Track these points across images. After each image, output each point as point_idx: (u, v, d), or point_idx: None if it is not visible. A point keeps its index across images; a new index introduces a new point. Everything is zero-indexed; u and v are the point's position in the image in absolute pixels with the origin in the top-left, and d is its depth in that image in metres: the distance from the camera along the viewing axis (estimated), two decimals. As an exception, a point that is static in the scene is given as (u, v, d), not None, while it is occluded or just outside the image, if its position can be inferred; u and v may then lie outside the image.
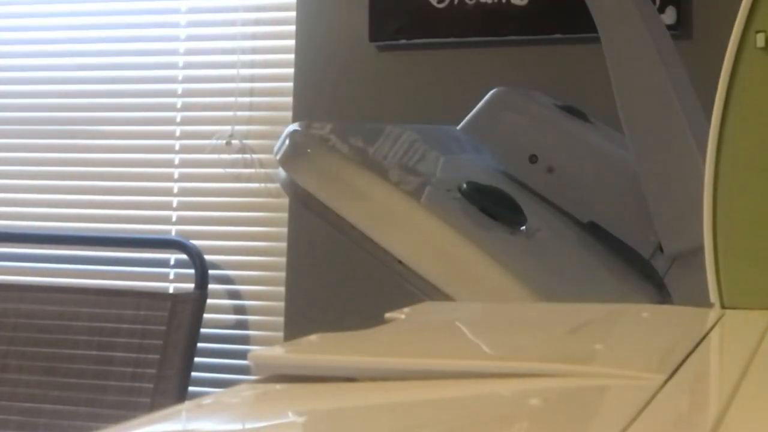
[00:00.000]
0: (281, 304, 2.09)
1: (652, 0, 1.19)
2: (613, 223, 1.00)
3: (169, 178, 2.24)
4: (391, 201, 0.90)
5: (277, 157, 0.96)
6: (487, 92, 1.99)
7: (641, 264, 1.04)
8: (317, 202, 0.93)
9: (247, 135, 2.17)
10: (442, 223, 0.88)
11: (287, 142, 0.95)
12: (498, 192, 0.95)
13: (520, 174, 1.06)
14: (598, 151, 1.06)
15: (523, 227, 0.94)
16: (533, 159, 1.05)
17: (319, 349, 0.53)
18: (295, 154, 0.94)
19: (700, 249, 0.90)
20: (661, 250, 1.00)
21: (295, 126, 0.98)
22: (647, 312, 0.68)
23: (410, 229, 0.89)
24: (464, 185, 0.92)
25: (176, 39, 2.26)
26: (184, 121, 2.24)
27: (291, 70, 2.10)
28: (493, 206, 0.92)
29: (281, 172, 0.98)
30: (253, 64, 2.19)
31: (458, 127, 1.14)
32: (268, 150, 2.16)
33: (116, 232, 2.23)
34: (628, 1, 1.05)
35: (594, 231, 1.01)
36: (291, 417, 0.46)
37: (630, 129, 1.00)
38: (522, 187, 1.05)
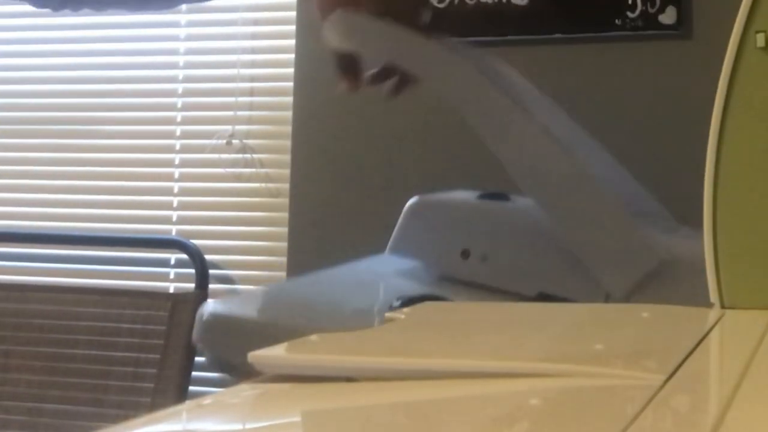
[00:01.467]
0: (281, 304, 2.09)
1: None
2: (559, 286, 1.00)
3: (169, 177, 2.24)
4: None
5: (194, 337, 0.96)
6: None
7: None
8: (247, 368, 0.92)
9: (247, 135, 2.17)
10: None
11: (203, 318, 0.95)
12: (430, 297, 0.93)
13: (458, 273, 1.05)
14: (523, 226, 1.05)
15: None
16: (465, 254, 1.04)
17: (319, 349, 0.53)
18: (211, 329, 0.94)
19: (643, 282, 0.91)
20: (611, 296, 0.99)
21: (211, 303, 0.97)
22: (647, 312, 0.68)
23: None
24: (396, 303, 0.91)
25: (176, 39, 2.26)
26: (185, 121, 2.24)
27: (291, 70, 2.10)
28: None
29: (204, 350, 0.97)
30: (253, 64, 2.19)
31: (387, 251, 1.14)
32: (269, 150, 2.16)
33: (116, 232, 2.23)
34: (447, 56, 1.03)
35: (545, 300, 1.01)
36: (291, 417, 0.46)
37: (523, 187, 0.99)
38: (463, 283, 1.04)
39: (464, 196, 1.13)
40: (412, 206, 1.12)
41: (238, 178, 2.17)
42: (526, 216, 1.01)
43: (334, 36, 1.04)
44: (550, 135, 0.97)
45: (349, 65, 1.05)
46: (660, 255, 0.91)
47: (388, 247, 1.13)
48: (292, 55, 2.10)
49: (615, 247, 0.93)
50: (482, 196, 1.10)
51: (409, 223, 1.11)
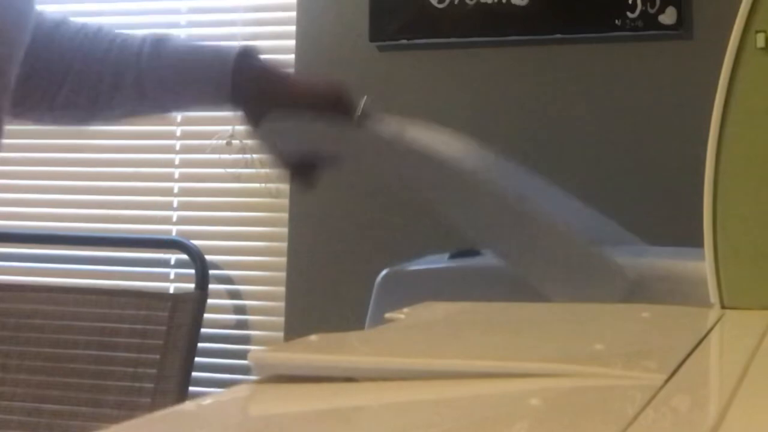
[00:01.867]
0: (281, 304, 2.09)
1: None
2: None
3: (169, 178, 2.24)
4: None
5: None
6: (487, 92, 1.99)
7: None
8: None
9: (247, 135, 2.17)
10: None
11: None
12: None
13: None
14: (498, 278, 1.05)
15: None
16: None
17: (319, 349, 0.53)
18: None
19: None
20: None
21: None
22: (647, 312, 0.68)
23: None
24: None
25: (176, 39, 2.26)
26: (185, 121, 2.24)
27: (291, 70, 2.10)
28: None
29: None
30: (253, 64, 2.18)
31: (365, 328, 1.14)
32: (269, 150, 2.16)
33: (116, 232, 2.23)
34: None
35: None
36: (290, 417, 0.46)
37: (481, 244, 1.00)
38: None
39: (435, 259, 1.13)
40: (383, 280, 1.11)
41: (238, 178, 2.17)
42: (499, 268, 1.01)
43: (266, 142, 1.07)
44: (493, 187, 0.97)
45: (300, 169, 1.08)
46: (631, 279, 0.91)
47: (366, 325, 1.12)
48: (293, 56, 2.10)
49: (585, 281, 0.93)
50: (453, 256, 1.10)
51: (383, 298, 1.11)
